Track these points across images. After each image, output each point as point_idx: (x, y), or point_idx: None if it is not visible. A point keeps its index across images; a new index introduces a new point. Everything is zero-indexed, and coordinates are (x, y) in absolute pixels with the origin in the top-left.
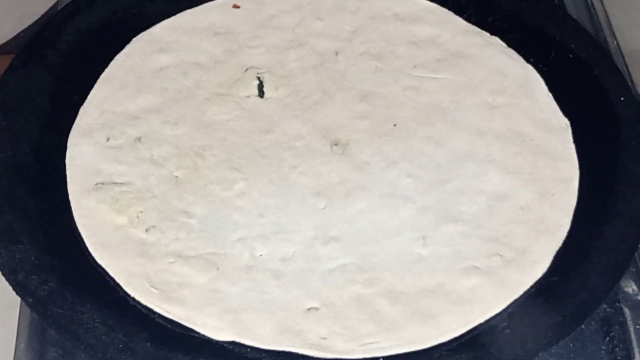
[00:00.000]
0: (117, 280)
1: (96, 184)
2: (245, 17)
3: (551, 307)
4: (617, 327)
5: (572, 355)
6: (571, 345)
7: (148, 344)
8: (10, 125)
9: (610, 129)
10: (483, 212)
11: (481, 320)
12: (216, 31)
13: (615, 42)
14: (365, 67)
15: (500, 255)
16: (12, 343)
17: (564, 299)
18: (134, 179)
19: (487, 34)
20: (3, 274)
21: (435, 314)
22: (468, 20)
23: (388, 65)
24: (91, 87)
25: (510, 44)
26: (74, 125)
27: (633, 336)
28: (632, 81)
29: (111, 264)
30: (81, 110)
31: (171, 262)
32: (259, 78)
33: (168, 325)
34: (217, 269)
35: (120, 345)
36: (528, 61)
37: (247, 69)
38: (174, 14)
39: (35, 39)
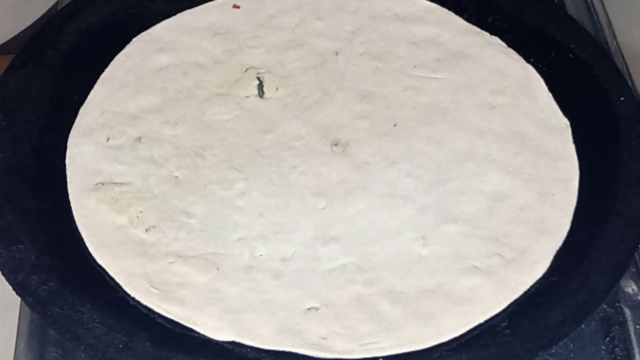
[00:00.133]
0: (117, 280)
1: (96, 184)
2: (245, 17)
3: (551, 307)
4: (617, 327)
5: (572, 355)
6: (571, 345)
7: (148, 344)
8: (10, 125)
9: (610, 129)
10: (483, 212)
11: (481, 320)
12: (216, 31)
13: (615, 42)
14: (365, 67)
15: (500, 255)
16: (12, 343)
17: (564, 299)
18: (134, 179)
19: (487, 34)
20: (3, 274)
21: (435, 314)
22: (468, 20)
23: (388, 65)
24: (91, 87)
25: (510, 44)
26: (74, 125)
27: (633, 336)
28: (632, 81)
29: (111, 264)
30: (81, 110)
31: (171, 262)
32: (259, 78)
33: (168, 325)
34: (217, 269)
35: (120, 345)
36: (528, 61)
37: (247, 69)
38: (174, 14)
39: (35, 39)
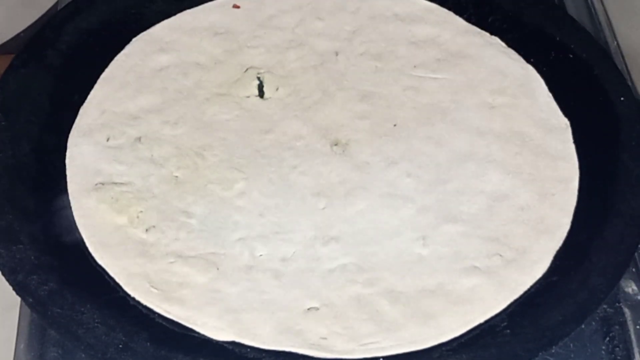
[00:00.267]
0: (117, 280)
1: (96, 184)
2: (245, 17)
3: (551, 307)
4: (617, 327)
5: (572, 355)
6: (571, 345)
7: (148, 344)
8: (10, 125)
9: (610, 129)
10: (483, 212)
11: (481, 320)
12: (216, 31)
13: (615, 42)
14: (365, 67)
15: (500, 255)
16: (12, 343)
17: (564, 299)
18: (134, 179)
19: (487, 34)
20: (3, 274)
21: (435, 314)
22: (468, 20)
23: (388, 65)
24: (91, 87)
25: (510, 44)
26: (74, 125)
27: (633, 336)
28: (632, 81)
29: (111, 264)
30: (81, 110)
31: (171, 262)
32: (259, 78)
33: (168, 325)
34: (217, 269)
35: (120, 345)
36: (528, 61)
37: (247, 69)
38: (174, 14)
39: (35, 39)
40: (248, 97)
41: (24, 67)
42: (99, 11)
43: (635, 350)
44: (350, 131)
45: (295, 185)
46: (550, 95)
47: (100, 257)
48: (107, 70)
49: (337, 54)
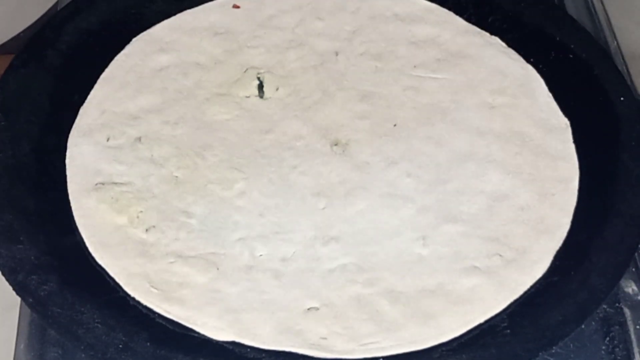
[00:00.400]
0: (117, 280)
1: (96, 184)
2: (245, 17)
3: (551, 307)
4: (617, 327)
5: (572, 355)
6: (571, 345)
7: (148, 344)
8: (10, 125)
9: (610, 129)
10: (483, 212)
11: (481, 320)
12: (216, 31)
13: (615, 42)
14: (365, 67)
15: (500, 255)
16: (12, 343)
17: (564, 299)
18: (134, 179)
19: (487, 34)
20: (3, 274)
21: (435, 314)
22: (468, 20)
23: (388, 65)
24: (91, 87)
25: (510, 44)
26: (74, 125)
27: (633, 336)
28: (632, 81)
29: (111, 264)
30: (81, 110)
31: (171, 262)
32: (259, 78)
33: (168, 325)
34: (217, 269)
35: (120, 345)
36: (528, 61)
37: (247, 69)
38: (174, 14)
39: (35, 39)
40: (248, 97)
41: (24, 67)
42: (99, 11)
43: (635, 350)
44: (350, 131)
45: (295, 185)
46: (550, 95)
47: (100, 257)
48: (107, 70)
49: (337, 54)
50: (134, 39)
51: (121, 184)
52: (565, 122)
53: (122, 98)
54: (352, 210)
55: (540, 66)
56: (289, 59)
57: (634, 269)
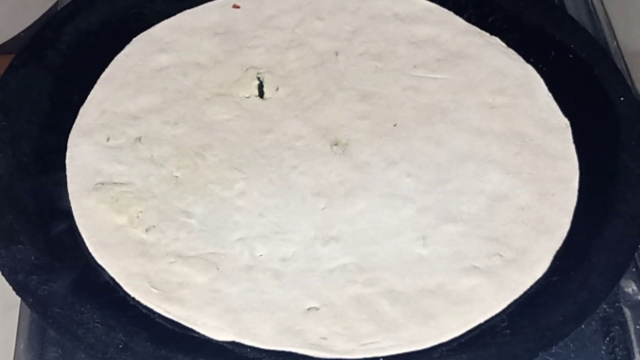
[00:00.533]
0: (117, 280)
1: (96, 184)
2: (245, 17)
3: (551, 307)
4: (617, 327)
5: (572, 355)
6: (571, 345)
7: (148, 344)
8: (10, 125)
9: (610, 129)
10: (483, 212)
11: (481, 320)
12: (216, 31)
13: (615, 42)
14: (365, 67)
15: (500, 255)
16: (12, 343)
17: (564, 299)
18: (134, 179)
19: (487, 34)
20: (3, 274)
21: (435, 314)
22: (468, 20)
23: (388, 65)
24: (91, 87)
25: (510, 44)
26: (74, 125)
27: (633, 336)
28: (632, 81)
29: (111, 264)
30: (81, 110)
31: (171, 262)
32: (259, 78)
33: (168, 325)
34: (217, 269)
35: (120, 345)
36: (528, 61)
37: (247, 69)
38: (174, 14)
39: (35, 39)
40: (248, 97)
41: (24, 67)
42: (99, 11)
43: (635, 350)
44: (350, 131)
45: (295, 185)
46: (550, 95)
47: (100, 257)
48: (107, 70)
49: (337, 54)
50: (134, 39)
51: (121, 184)
52: (565, 122)
53: (122, 98)
54: (352, 210)
55: (540, 66)
56: (289, 59)
57: (634, 269)
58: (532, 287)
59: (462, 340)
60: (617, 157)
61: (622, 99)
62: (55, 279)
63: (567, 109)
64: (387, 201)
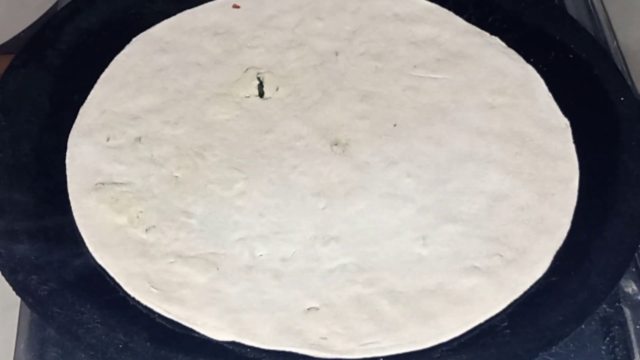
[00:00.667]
0: (117, 280)
1: (96, 184)
2: (245, 17)
3: (551, 307)
4: (617, 327)
5: (572, 355)
6: (571, 345)
7: (148, 344)
8: (10, 125)
9: (610, 129)
10: (483, 212)
11: (481, 320)
12: (216, 31)
13: (615, 42)
14: (365, 67)
15: (500, 255)
16: (12, 343)
17: (564, 299)
18: (134, 179)
19: (487, 34)
20: (3, 274)
21: (435, 314)
22: (468, 20)
23: (388, 65)
24: (91, 87)
25: (510, 44)
26: (74, 125)
27: (633, 336)
28: (632, 81)
29: (111, 264)
30: (81, 110)
31: (171, 262)
32: (259, 78)
33: (168, 325)
34: (217, 269)
35: (120, 345)
36: (528, 61)
37: (247, 69)
38: (174, 14)
39: (35, 39)
40: (248, 97)
41: (24, 67)
42: (99, 11)
43: (635, 350)
44: (350, 131)
45: (295, 185)
46: (550, 95)
47: (100, 257)
48: (107, 70)
49: (337, 54)
50: (134, 39)
51: (121, 184)
52: (565, 122)
53: (122, 98)
54: (352, 210)
55: (540, 66)
56: (289, 59)
57: (634, 269)
58: (532, 287)
59: (462, 340)
60: (617, 157)
61: (622, 99)
62: (55, 279)
63: (567, 109)
64: (387, 201)
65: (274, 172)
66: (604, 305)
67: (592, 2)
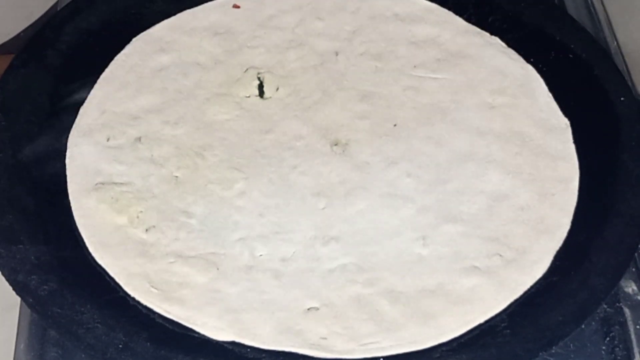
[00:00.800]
0: (117, 280)
1: (96, 184)
2: (245, 17)
3: (551, 307)
4: (617, 327)
5: (572, 355)
6: (571, 345)
7: (148, 344)
8: (10, 125)
9: (610, 129)
10: (483, 212)
11: (481, 320)
12: (216, 31)
13: (615, 42)
14: (365, 67)
15: (500, 255)
16: (12, 343)
17: (564, 299)
18: (134, 179)
19: (487, 34)
20: (3, 274)
21: (435, 314)
22: (468, 20)
23: (388, 65)
24: (91, 87)
25: (510, 44)
26: (74, 125)
27: (633, 336)
28: (632, 81)
29: (111, 264)
30: (81, 110)
31: (171, 262)
32: (259, 78)
33: (168, 325)
34: (217, 269)
35: (120, 345)
36: (528, 61)
37: (247, 69)
38: (174, 14)
39: (35, 39)
40: (248, 97)
41: (24, 67)
42: (99, 11)
43: (635, 350)
44: (350, 131)
45: (295, 185)
46: (550, 95)
47: (100, 257)
48: (107, 70)
49: (337, 54)
50: (134, 39)
51: (121, 184)
52: (565, 122)
53: (122, 98)
54: (352, 210)
55: (540, 66)
56: (289, 59)
57: (634, 269)
58: (532, 287)
59: (462, 340)
60: (617, 157)
61: (622, 99)
62: (55, 279)
63: (567, 109)
64: (387, 201)
65: (274, 172)
66: (604, 305)
67: (592, 2)
